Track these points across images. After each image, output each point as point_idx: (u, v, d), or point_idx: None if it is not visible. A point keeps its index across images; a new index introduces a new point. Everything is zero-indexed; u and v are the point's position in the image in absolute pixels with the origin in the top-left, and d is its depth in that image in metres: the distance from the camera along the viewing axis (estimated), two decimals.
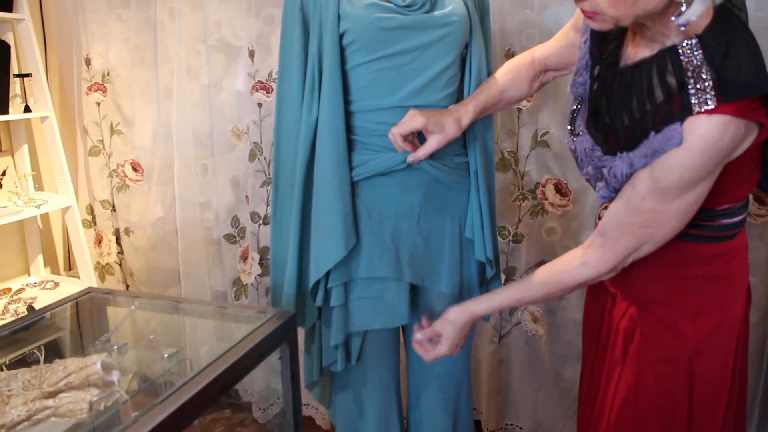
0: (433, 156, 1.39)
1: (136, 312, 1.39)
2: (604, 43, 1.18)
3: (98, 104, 2.55)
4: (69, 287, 2.58)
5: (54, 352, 1.33)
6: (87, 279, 2.59)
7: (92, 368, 1.09)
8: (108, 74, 2.51)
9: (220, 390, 1.08)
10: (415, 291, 1.51)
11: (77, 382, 1.08)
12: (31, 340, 1.31)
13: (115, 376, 1.11)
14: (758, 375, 1.92)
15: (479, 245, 1.46)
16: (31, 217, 2.58)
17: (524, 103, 1.99)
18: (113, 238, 2.67)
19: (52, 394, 1.07)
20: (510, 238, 2.09)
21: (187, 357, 1.23)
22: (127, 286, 2.73)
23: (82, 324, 1.41)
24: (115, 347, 1.27)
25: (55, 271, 2.86)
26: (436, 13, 1.36)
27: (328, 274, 1.41)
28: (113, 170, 2.59)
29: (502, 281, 1.77)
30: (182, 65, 2.33)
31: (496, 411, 2.23)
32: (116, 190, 2.61)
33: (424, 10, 1.35)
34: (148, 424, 0.95)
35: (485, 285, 1.54)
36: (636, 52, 1.11)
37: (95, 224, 2.70)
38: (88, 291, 1.41)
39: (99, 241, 2.70)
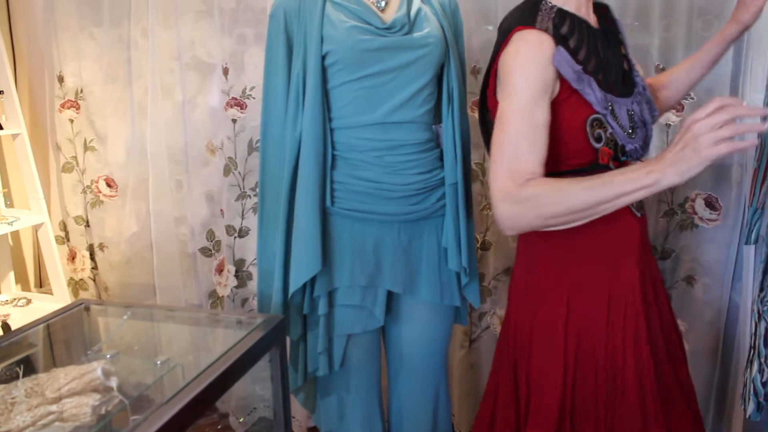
0: (415, 171, 1.49)
1: (127, 321, 1.43)
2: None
3: (71, 121, 2.57)
4: (41, 304, 2.58)
5: (46, 362, 1.37)
6: (60, 295, 2.60)
7: (93, 374, 1.14)
8: (81, 91, 2.54)
9: (217, 393, 1.14)
10: (393, 297, 1.58)
11: (79, 388, 1.13)
12: (23, 351, 1.35)
13: (114, 381, 1.16)
14: (712, 372, 2.03)
15: (453, 255, 1.54)
16: (2, 235, 2.58)
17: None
18: (87, 254, 2.69)
19: (56, 400, 1.11)
20: (479, 246, 2.18)
21: (180, 364, 1.27)
22: None
23: (74, 335, 1.44)
24: (108, 356, 1.32)
25: (26, 288, 2.86)
26: (415, 35, 1.45)
27: (312, 282, 1.48)
28: (87, 186, 2.62)
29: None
30: (156, 82, 2.37)
31: (469, 413, 2.31)
32: (90, 206, 2.63)
33: (403, 32, 1.44)
34: (148, 429, 0.99)
35: (462, 291, 1.62)
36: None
37: (68, 240, 2.71)
38: (80, 302, 1.45)
39: (72, 257, 2.71)
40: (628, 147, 1.25)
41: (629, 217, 1.30)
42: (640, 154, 1.29)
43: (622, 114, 1.25)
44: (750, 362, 1.56)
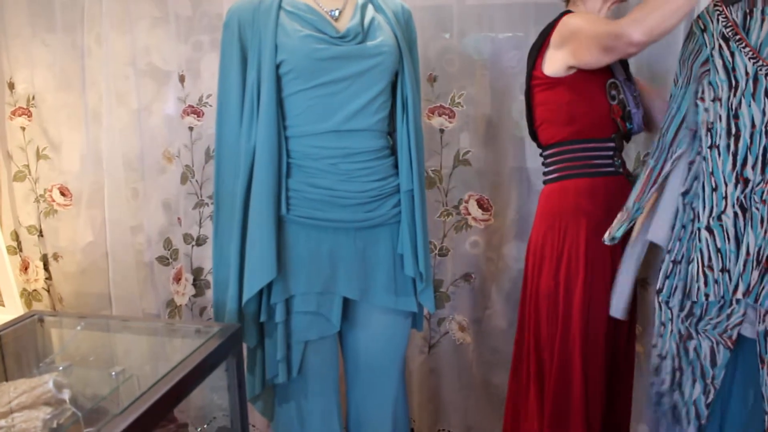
0: (370, 179, 1.50)
1: (82, 332, 1.41)
2: None
3: (23, 129, 2.52)
4: None
5: None
6: (12, 307, 2.54)
7: (44, 387, 1.12)
8: (33, 98, 2.49)
9: (172, 403, 1.13)
10: (350, 303, 1.59)
11: (29, 402, 1.11)
12: None
13: (66, 394, 1.14)
14: None
15: (409, 261, 1.55)
16: None
17: (446, 124, 2.12)
18: (40, 264, 2.63)
19: (4, 415, 1.09)
20: (436, 252, 2.21)
21: (135, 374, 1.26)
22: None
23: (26, 347, 1.42)
24: (61, 368, 1.30)
25: None
26: (368, 43, 1.47)
27: (269, 290, 1.48)
28: (40, 195, 2.57)
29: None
30: (110, 89, 2.34)
31: (429, 418, 2.33)
32: (44, 215, 2.58)
33: (356, 41, 1.46)
34: None
35: (417, 296, 1.63)
36: None
37: (21, 250, 2.65)
38: (33, 314, 1.43)
39: (25, 268, 2.66)
40: (633, 111, 1.69)
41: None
42: (641, 127, 1.73)
43: (630, 90, 1.70)
44: (678, 384, 1.53)
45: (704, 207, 1.46)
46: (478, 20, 2.10)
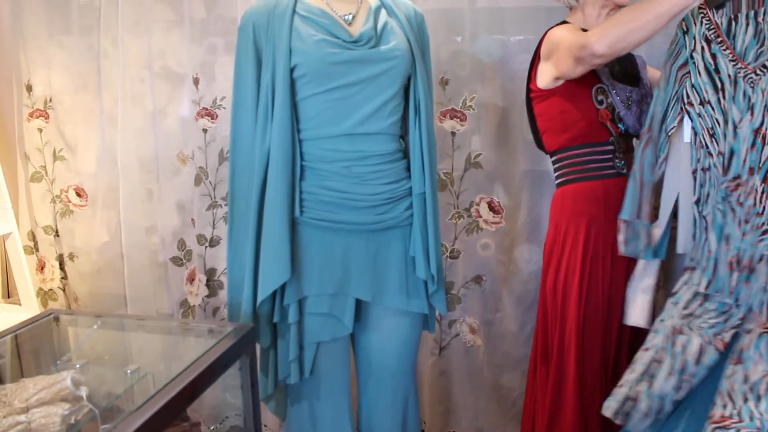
0: (383, 181, 1.52)
1: (98, 331, 1.43)
2: None
3: (40, 130, 2.56)
4: (10, 314, 2.56)
5: (14, 373, 1.37)
6: (29, 306, 2.57)
7: (63, 384, 1.14)
8: (50, 100, 2.53)
9: (186, 401, 1.15)
10: (362, 305, 1.60)
11: (48, 398, 1.13)
12: None
13: (83, 391, 1.17)
14: None
15: (421, 264, 1.56)
16: None
17: (458, 127, 2.13)
18: (56, 264, 2.67)
19: (24, 410, 1.12)
20: (447, 254, 2.22)
21: (150, 373, 1.28)
22: None
23: (43, 345, 1.44)
24: (78, 365, 1.32)
25: None
26: (381, 48, 1.49)
27: (282, 291, 1.49)
28: (56, 196, 2.60)
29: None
30: (126, 92, 2.38)
31: (439, 420, 2.33)
32: (59, 215, 2.61)
33: (370, 45, 1.48)
34: None
35: (429, 298, 1.64)
36: None
37: (37, 250, 2.69)
38: (49, 312, 1.45)
39: (41, 267, 2.69)
40: (623, 113, 1.69)
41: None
42: (636, 128, 1.71)
43: (622, 93, 1.71)
44: (652, 375, 1.50)
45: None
46: (489, 23, 2.11)
